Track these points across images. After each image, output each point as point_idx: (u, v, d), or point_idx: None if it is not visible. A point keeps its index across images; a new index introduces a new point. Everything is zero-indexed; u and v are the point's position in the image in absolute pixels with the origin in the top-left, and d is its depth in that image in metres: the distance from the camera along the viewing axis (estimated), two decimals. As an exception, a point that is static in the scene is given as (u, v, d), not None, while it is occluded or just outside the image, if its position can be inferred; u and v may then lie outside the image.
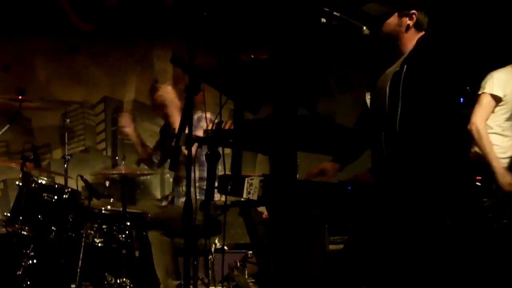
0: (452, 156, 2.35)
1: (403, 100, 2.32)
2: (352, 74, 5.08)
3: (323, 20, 2.24)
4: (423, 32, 2.44)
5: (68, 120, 4.60)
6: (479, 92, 3.58)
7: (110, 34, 5.08)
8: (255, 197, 2.27)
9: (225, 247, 4.04)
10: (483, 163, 3.48)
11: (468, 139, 3.22)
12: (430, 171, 2.30)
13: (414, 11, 2.41)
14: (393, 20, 2.41)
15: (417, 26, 2.43)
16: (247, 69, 2.11)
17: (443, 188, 2.32)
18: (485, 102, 3.53)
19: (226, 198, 2.38)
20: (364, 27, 2.40)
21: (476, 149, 3.53)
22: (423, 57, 2.35)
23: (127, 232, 3.70)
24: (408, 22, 2.41)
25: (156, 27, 5.06)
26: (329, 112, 4.96)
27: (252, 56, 2.10)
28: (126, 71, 5.11)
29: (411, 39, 2.42)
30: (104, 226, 3.75)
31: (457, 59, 2.34)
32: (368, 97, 2.56)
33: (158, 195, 5.00)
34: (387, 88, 2.38)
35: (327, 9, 2.25)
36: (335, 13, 2.26)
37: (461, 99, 4.72)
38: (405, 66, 2.36)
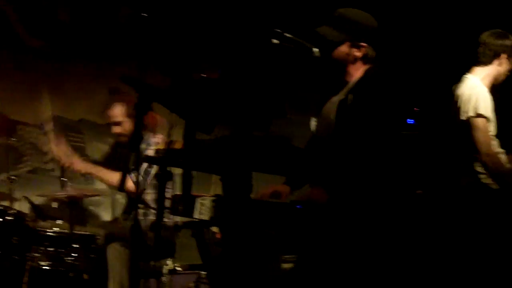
0: (394, 178, 2.42)
1: (350, 128, 2.40)
2: (310, 96, 5.13)
3: (275, 41, 2.27)
4: (370, 65, 2.52)
5: (14, 139, 4.45)
6: (470, 115, 3.25)
7: (61, 51, 4.98)
8: (207, 218, 2.25)
9: (179, 268, 3.99)
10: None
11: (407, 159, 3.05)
12: (375, 192, 2.38)
13: (364, 44, 2.49)
14: (343, 48, 2.49)
15: (364, 59, 2.51)
16: (197, 88, 2.10)
17: (384, 206, 2.39)
18: (482, 124, 3.22)
19: (174, 218, 2.35)
20: (315, 49, 2.45)
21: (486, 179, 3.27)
22: (368, 89, 2.43)
23: (74, 254, 3.60)
24: (356, 53, 2.50)
25: (110, 44, 5.01)
26: (286, 133, 4.97)
27: (204, 75, 2.10)
28: (77, 89, 5.02)
29: (357, 70, 2.51)
30: (50, 249, 3.62)
31: (400, 90, 2.42)
32: (313, 122, 2.62)
33: (108, 216, 4.89)
34: (334, 116, 2.44)
35: (278, 30, 2.28)
36: (286, 34, 2.29)
37: (409, 120, 4.86)
38: (351, 95, 2.43)
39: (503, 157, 3.33)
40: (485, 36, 3.39)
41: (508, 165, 3.32)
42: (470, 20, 4.45)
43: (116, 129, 3.75)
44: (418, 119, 4.80)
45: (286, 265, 3.83)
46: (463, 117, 3.29)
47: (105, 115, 3.83)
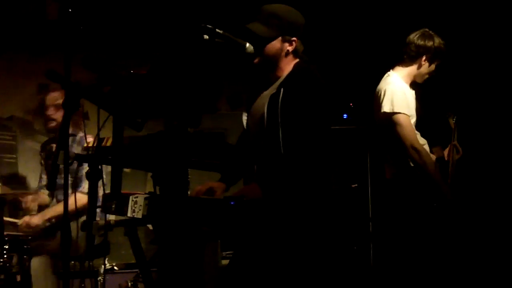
0: (327, 172, 2.45)
1: (282, 122, 2.40)
2: (244, 91, 5.16)
3: (206, 37, 2.25)
4: (299, 59, 2.55)
5: None
6: (385, 111, 3.30)
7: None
8: (139, 216, 2.23)
9: (116, 267, 3.92)
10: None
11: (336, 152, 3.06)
12: (309, 186, 2.40)
13: (295, 38, 2.52)
14: (276, 43, 2.51)
15: (295, 53, 2.54)
16: (125, 84, 2.07)
17: (318, 201, 2.42)
18: (404, 120, 3.27)
19: (106, 217, 2.31)
20: (247, 45, 2.46)
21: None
22: (299, 81, 2.45)
23: (6, 256, 3.49)
24: (288, 47, 2.52)
25: (39, 41, 4.87)
26: (220, 129, 4.99)
27: (132, 71, 2.07)
28: (6, 85, 4.86)
29: (288, 64, 2.53)
30: (-20, 251, 3.50)
31: (328, 83, 2.46)
32: (245, 118, 2.63)
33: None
34: (265, 110, 2.46)
35: (209, 26, 2.27)
36: (217, 30, 2.29)
37: (345, 115, 4.95)
38: (282, 89, 2.45)
39: (426, 148, 3.43)
40: (411, 36, 3.41)
41: (432, 157, 3.42)
42: (411, 16, 4.54)
43: (51, 111, 3.68)
44: (353, 114, 4.89)
45: (224, 262, 3.85)
46: (380, 112, 3.34)
47: (41, 100, 3.74)
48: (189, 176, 2.42)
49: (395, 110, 3.29)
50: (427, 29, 3.44)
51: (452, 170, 3.60)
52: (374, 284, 4.41)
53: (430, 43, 3.37)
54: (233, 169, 2.66)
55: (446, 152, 3.63)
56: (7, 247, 3.50)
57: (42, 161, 3.96)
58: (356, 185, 4.60)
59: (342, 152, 4.64)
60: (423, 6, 4.65)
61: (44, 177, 3.92)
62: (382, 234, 4.13)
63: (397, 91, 3.32)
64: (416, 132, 3.40)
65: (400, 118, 3.28)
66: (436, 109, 3.79)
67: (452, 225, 3.42)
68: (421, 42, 3.37)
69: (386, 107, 3.31)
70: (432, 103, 3.49)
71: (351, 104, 4.89)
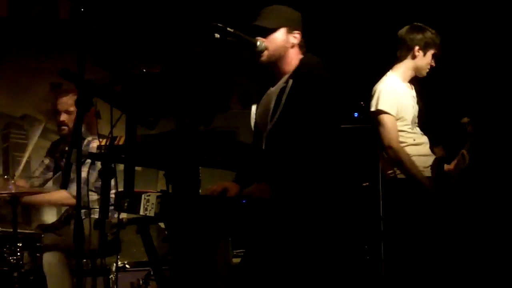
0: (334, 170, 2.44)
1: (290, 113, 2.40)
2: (255, 89, 5.15)
3: (217, 35, 2.26)
4: (304, 54, 2.57)
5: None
6: (371, 110, 3.37)
7: (1, 46, 4.83)
8: (152, 214, 2.23)
9: (128, 266, 3.94)
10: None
11: (349, 152, 3.02)
12: (317, 183, 2.39)
13: (297, 31, 2.55)
14: (280, 35, 2.52)
15: (300, 47, 2.56)
16: (138, 82, 2.08)
17: (329, 200, 2.41)
18: (386, 120, 3.31)
19: (119, 215, 2.32)
20: (259, 43, 2.47)
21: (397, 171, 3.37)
22: (308, 74, 2.46)
23: (19, 254, 3.51)
24: (293, 40, 2.54)
25: (52, 40, 4.90)
26: (232, 127, 4.99)
27: (144, 70, 2.08)
28: (19, 84, 4.90)
29: (294, 59, 2.55)
30: (-6, 248, 3.54)
31: (337, 79, 2.46)
32: (253, 115, 2.64)
33: (54, 214, 4.78)
34: (272, 105, 2.46)
35: (221, 25, 2.28)
36: (229, 28, 2.29)
37: (356, 113, 4.94)
38: (291, 80, 2.45)
39: (424, 147, 3.42)
40: (401, 31, 3.47)
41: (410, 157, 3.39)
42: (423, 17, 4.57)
43: (63, 117, 3.70)
44: (364, 113, 4.87)
45: (236, 260, 3.86)
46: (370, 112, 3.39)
47: (53, 104, 3.76)
48: (200, 175, 2.43)
49: (379, 108, 3.32)
50: (416, 23, 3.48)
51: (455, 178, 3.59)
52: (385, 283, 4.39)
53: (419, 34, 3.41)
54: (244, 168, 2.66)
55: (453, 164, 3.62)
56: (20, 245, 3.53)
57: (47, 160, 3.98)
58: (367, 183, 4.59)
59: (353, 150, 4.63)
60: (437, 7, 4.66)
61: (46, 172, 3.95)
62: (393, 233, 4.12)
63: (386, 91, 3.34)
64: (417, 130, 3.41)
65: (383, 118, 3.31)
66: (449, 113, 3.77)
67: (454, 223, 3.42)
68: (410, 35, 3.42)
69: (372, 106, 3.34)
70: (446, 107, 3.48)
71: (362, 102, 4.87)
